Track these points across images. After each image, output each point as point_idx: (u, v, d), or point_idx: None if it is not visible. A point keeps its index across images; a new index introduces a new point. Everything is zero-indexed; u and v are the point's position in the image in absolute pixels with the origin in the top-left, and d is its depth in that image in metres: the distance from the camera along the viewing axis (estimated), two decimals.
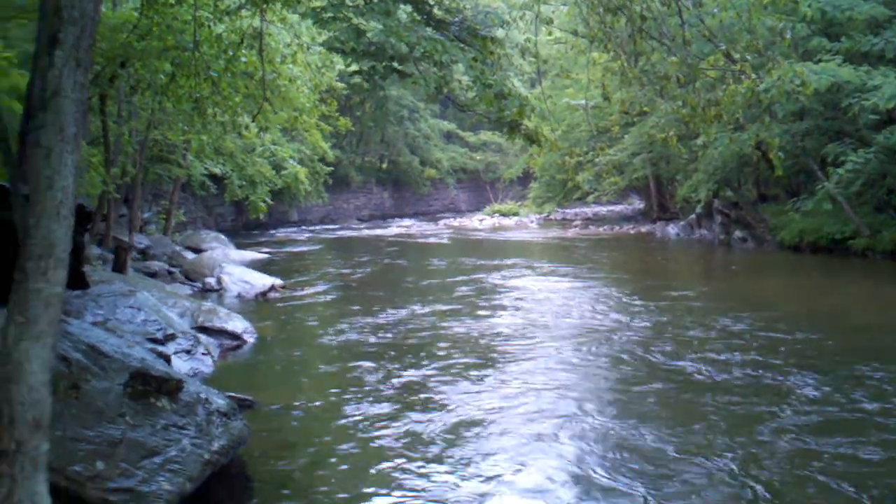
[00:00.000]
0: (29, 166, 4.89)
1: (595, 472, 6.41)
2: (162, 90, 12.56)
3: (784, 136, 20.18)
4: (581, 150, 33.96)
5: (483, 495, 6.04)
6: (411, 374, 9.61)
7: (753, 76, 9.65)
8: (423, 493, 6.12)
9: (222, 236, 25.57)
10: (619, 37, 11.16)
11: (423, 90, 9.51)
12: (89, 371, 5.99)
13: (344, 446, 7.25)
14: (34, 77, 5.15)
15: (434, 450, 7.03)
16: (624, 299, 14.72)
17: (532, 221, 38.62)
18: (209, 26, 11.31)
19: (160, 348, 9.55)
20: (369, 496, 6.12)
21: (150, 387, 6.26)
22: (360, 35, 9.70)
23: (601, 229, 32.69)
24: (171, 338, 10.42)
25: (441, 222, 39.19)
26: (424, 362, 10.22)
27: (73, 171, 4.35)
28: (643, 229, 31.34)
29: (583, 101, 32.68)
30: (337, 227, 37.69)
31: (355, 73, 11.35)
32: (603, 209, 40.85)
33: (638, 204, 40.35)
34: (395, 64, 10.06)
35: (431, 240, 30.21)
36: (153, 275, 16.45)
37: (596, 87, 33.11)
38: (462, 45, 8.88)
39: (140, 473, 5.61)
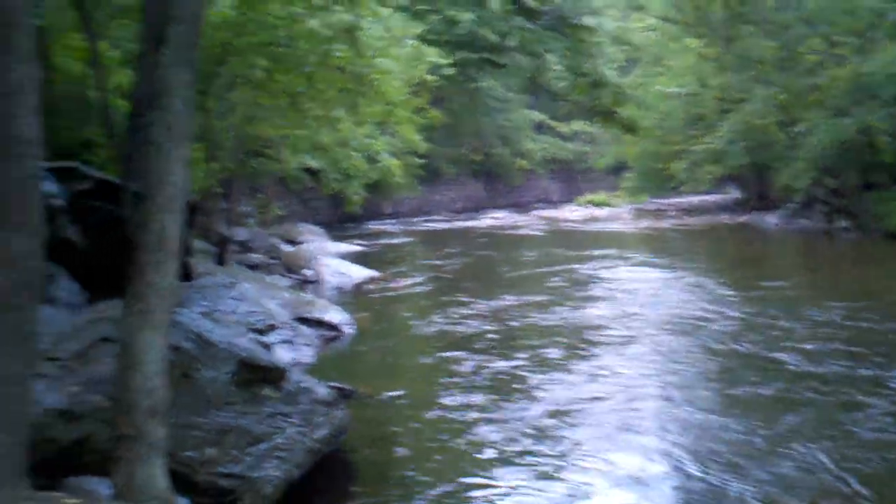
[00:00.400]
0: (139, 163, 5.08)
1: (686, 463, 6.34)
2: (258, 86, 12.84)
3: (890, 120, 19.43)
4: (676, 139, 33.32)
5: (577, 486, 6.04)
6: (505, 364, 9.64)
7: (855, 60, 9.35)
8: (518, 484, 6.16)
9: (318, 229, 26.02)
10: (713, 22, 10.92)
11: (516, 80, 9.50)
12: (199, 360, 6.19)
13: (441, 436, 7.33)
14: (140, 76, 5.34)
15: (528, 440, 7.05)
16: (719, 290, 14.42)
17: (625, 212, 38.10)
18: (303, 21, 11.51)
19: (262, 338, 9.81)
20: (467, 486, 6.18)
21: (256, 376, 6.44)
22: (454, 26, 9.76)
23: (696, 219, 32.02)
24: (272, 328, 10.67)
25: (533, 213, 38.95)
26: (517, 352, 10.24)
27: (183, 167, 4.50)
28: (741, 219, 30.56)
29: (676, 89, 32.10)
30: (430, 219, 37.91)
31: (449, 64, 11.42)
32: (698, 199, 39.98)
33: (735, 193, 39.37)
34: (488, 55, 10.09)
35: (524, 231, 30.10)
36: (253, 267, 16.84)
37: (690, 74, 32.55)
38: (554, 35, 8.82)
39: (248, 459, 5.79)
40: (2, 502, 3.43)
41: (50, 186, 8.50)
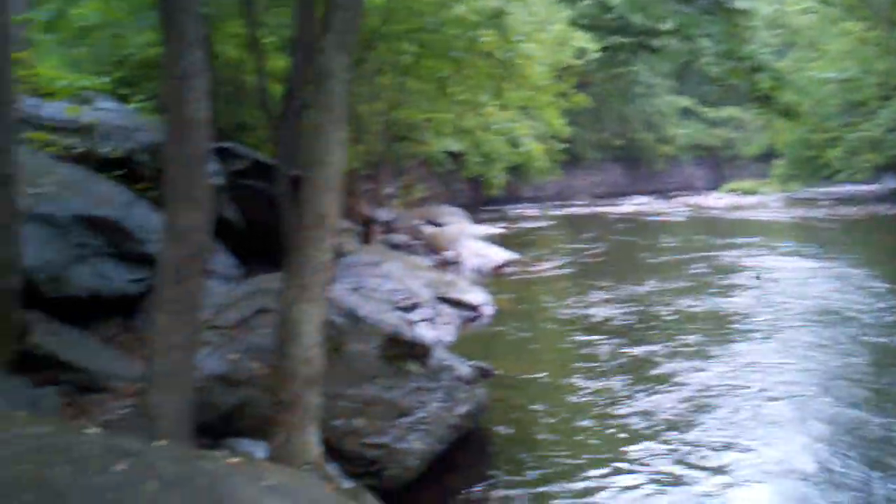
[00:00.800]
0: (293, 144, 5.33)
1: (828, 457, 6.16)
2: (406, 71, 13.10)
3: None
4: (831, 126, 31.85)
5: (714, 477, 5.97)
6: (642, 350, 9.56)
7: None
8: (654, 470, 6.13)
9: (459, 211, 26.33)
10: (876, 4, 10.42)
11: (666, 65, 9.36)
12: (349, 334, 6.45)
13: (578, 419, 7.36)
14: (297, 60, 5.59)
15: (664, 427, 7.00)
16: (870, 282, 13.73)
17: (774, 200, 36.73)
18: (451, 7, 11.66)
19: (406, 316, 10.07)
20: (604, 471, 6.20)
21: (402, 351, 6.65)
22: (606, 10, 9.70)
23: (851, 209, 30.54)
24: (415, 306, 10.94)
25: (676, 200, 38.12)
26: (656, 339, 10.13)
27: (341, 148, 4.71)
28: None
29: (833, 74, 30.64)
30: (570, 203, 37.71)
31: (599, 49, 11.35)
32: (853, 189, 38.11)
33: (892, 183, 37.30)
34: (642, 39, 9.99)
35: (666, 217, 29.51)
36: (396, 247, 17.24)
37: (848, 59, 31.00)
38: (711, 18, 8.65)
39: (393, 431, 6.00)
40: (172, 456, 3.72)
41: (211, 166, 8.99)
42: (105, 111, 9.29)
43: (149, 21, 8.79)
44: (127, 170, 8.63)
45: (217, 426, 5.63)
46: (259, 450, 5.16)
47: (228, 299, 6.90)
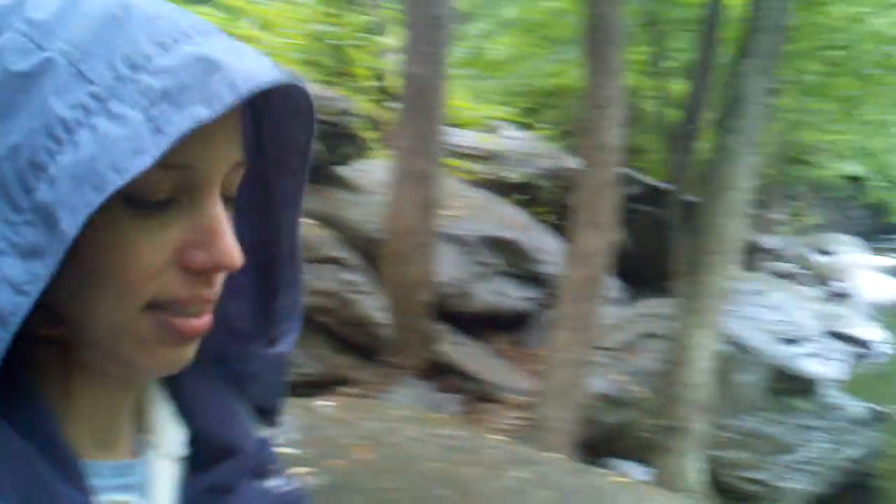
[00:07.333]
0: (687, 169, 5.34)
1: None
2: (809, 91, 12.44)
3: None
4: None
5: None
6: None
7: None
8: None
9: (854, 239, 24.41)
10: None
11: None
12: (736, 363, 6.32)
13: None
14: (698, 84, 5.59)
15: None
16: None
17: None
18: (866, 21, 10.88)
19: (791, 349, 9.58)
20: None
21: (788, 385, 6.39)
22: None
23: None
24: (801, 339, 10.36)
25: None
26: None
27: (750, 174, 4.64)
28: None
29: None
30: None
31: None
32: None
33: None
34: None
35: None
36: (781, 275, 16.43)
37: None
38: None
39: (773, 468, 5.79)
40: (564, 468, 3.91)
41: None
42: (510, 139, 9.92)
43: (559, 54, 9.24)
44: (528, 195, 9.14)
45: (598, 444, 5.79)
46: (636, 472, 5.24)
47: (617, 321, 7.06)
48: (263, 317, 0.68)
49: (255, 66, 0.50)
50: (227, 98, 0.47)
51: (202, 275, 0.53)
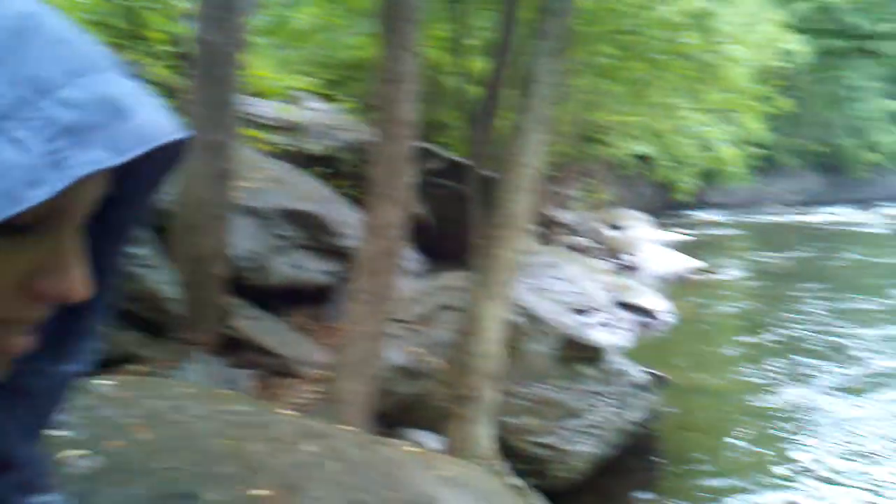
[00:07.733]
0: (487, 145, 5.47)
1: None
2: (601, 73, 12.99)
3: None
4: None
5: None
6: (826, 375, 9.12)
7: None
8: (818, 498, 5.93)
9: (643, 215, 25.85)
10: None
11: (882, 69, 8.87)
12: (526, 333, 6.56)
13: (755, 435, 7.19)
14: (497, 63, 5.72)
15: (840, 459, 6.71)
16: None
17: None
18: (653, 8, 11.47)
19: (582, 318, 10.08)
20: (778, 490, 6.05)
21: (577, 353, 6.70)
22: (827, 13, 9.31)
23: None
24: (591, 309, 10.92)
25: (878, 212, 35.72)
26: (847, 362, 9.63)
27: (539, 151, 4.81)
28: None
29: None
30: (761, 211, 36.22)
31: (810, 53, 10.87)
32: None
33: None
34: (858, 43, 9.53)
35: (866, 229, 27.76)
36: (576, 249, 17.17)
37: None
38: None
39: (562, 433, 6.06)
40: (356, 440, 3.94)
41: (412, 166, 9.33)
42: (312, 111, 9.80)
43: (364, 27, 9.18)
44: (330, 167, 9.08)
45: (394, 415, 5.87)
46: (432, 441, 5.35)
47: (413, 294, 7.15)
48: (58, 334, 0.63)
49: (159, 119, 0.49)
50: (134, 149, 0.45)
51: (45, 302, 0.51)
